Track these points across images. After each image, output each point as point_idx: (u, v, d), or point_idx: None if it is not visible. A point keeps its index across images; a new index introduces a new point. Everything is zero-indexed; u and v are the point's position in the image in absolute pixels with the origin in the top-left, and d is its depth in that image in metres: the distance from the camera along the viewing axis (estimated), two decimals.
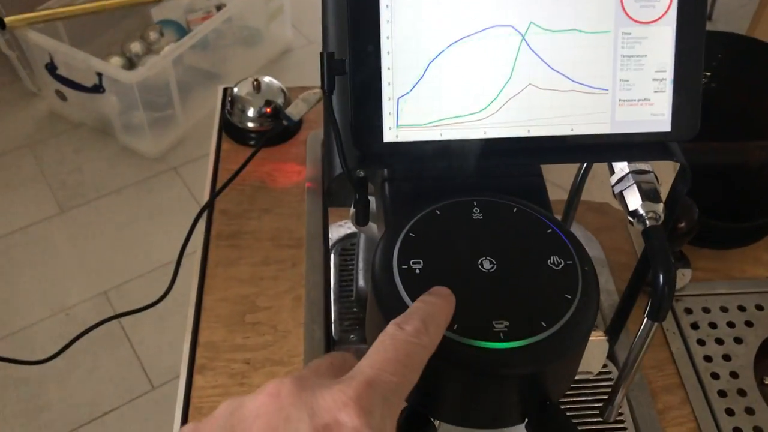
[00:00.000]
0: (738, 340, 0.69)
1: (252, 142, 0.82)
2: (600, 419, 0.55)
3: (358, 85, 0.44)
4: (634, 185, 0.49)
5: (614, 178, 0.51)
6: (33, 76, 2.04)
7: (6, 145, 1.98)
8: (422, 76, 0.45)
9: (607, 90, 0.46)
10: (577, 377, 0.48)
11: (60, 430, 1.46)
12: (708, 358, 0.67)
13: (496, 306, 0.40)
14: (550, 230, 0.45)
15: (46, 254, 1.75)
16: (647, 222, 0.48)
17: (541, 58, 0.45)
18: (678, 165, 0.49)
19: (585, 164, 0.62)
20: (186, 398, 0.63)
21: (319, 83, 0.48)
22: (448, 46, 0.44)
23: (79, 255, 1.75)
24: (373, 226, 0.59)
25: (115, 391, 1.52)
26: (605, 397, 0.64)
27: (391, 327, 0.34)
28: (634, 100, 0.47)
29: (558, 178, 0.65)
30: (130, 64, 2.03)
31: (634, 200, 0.49)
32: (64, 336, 1.58)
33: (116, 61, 1.99)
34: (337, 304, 0.69)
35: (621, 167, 0.50)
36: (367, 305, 0.44)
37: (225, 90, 0.87)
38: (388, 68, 0.45)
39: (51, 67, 1.91)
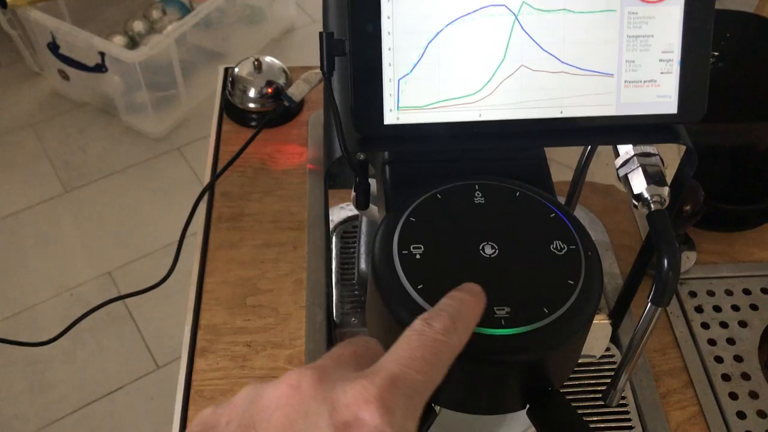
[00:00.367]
0: (743, 324, 0.68)
1: (253, 123, 0.82)
2: (602, 403, 0.55)
3: (358, 65, 0.43)
4: (639, 168, 0.49)
5: (619, 161, 0.50)
6: (35, 55, 2.02)
7: (9, 125, 1.97)
8: (421, 57, 0.44)
9: (611, 72, 0.45)
10: (579, 361, 0.47)
11: (67, 408, 1.46)
12: (712, 342, 0.67)
13: (498, 292, 0.40)
14: (553, 214, 0.44)
15: (50, 234, 1.75)
16: (652, 206, 0.47)
17: (533, 39, 0.44)
18: (684, 148, 0.48)
19: (589, 147, 0.61)
20: (187, 381, 0.63)
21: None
22: (446, 26, 0.43)
23: (82, 235, 1.75)
24: (374, 209, 0.58)
25: (120, 370, 1.53)
26: (608, 380, 0.63)
27: (418, 323, 0.32)
28: (640, 82, 0.46)
29: (565, 157, 0.64)
30: (133, 43, 2.02)
31: (639, 183, 0.48)
32: (68, 316, 1.59)
33: (119, 40, 1.98)
34: (338, 287, 0.69)
35: (626, 150, 0.50)
36: (367, 291, 0.44)
37: (226, 70, 0.86)
38: (389, 49, 0.44)
39: (53, 47, 1.89)
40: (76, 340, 1.54)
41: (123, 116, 1.96)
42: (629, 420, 0.62)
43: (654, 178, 0.48)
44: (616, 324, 0.66)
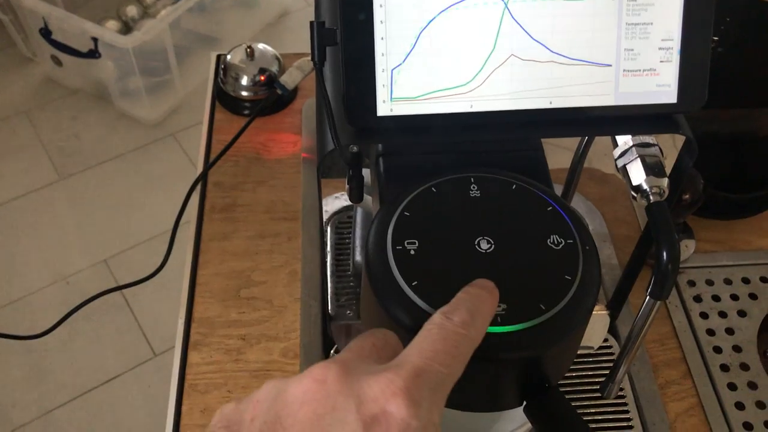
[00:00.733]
0: (741, 313, 0.67)
1: (246, 112, 0.80)
2: (600, 395, 0.54)
3: (350, 56, 0.42)
4: (638, 159, 0.48)
5: (617, 152, 0.49)
6: (27, 41, 2.00)
7: (2, 112, 1.95)
8: (414, 46, 0.43)
9: (609, 61, 0.44)
10: (577, 353, 0.46)
11: (65, 396, 1.46)
12: (711, 332, 0.66)
13: None
14: (550, 207, 0.43)
15: (45, 222, 1.74)
16: (651, 197, 0.47)
17: (523, 27, 0.42)
18: (682, 138, 0.47)
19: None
20: (181, 375, 0.62)
21: None
22: (439, 14, 0.42)
23: (78, 222, 1.74)
24: (368, 199, 0.57)
25: (118, 358, 1.53)
26: (606, 371, 0.63)
27: (438, 317, 0.33)
28: (639, 71, 0.45)
29: (563, 140, 0.63)
30: (126, 27, 1.99)
31: (637, 174, 0.47)
32: (64, 304, 1.58)
33: (112, 24, 1.96)
34: (333, 279, 0.68)
35: (624, 140, 0.49)
36: (361, 287, 0.43)
37: (218, 58, 0.85)
38: (382, 38, 0.43)
39: (45, 32, 1.87)
40: (73, 328, 1.53)
41: (117, 102, 1.94)
42: (627, 411, 0.62)
43: (653, 169, 0.47)
44: (614, 315, 0.65)
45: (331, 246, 0.71)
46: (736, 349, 0.65)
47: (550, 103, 0.43)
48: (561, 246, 0.41)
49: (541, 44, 0.43)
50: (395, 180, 0.48)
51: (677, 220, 0.69)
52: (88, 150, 1.88)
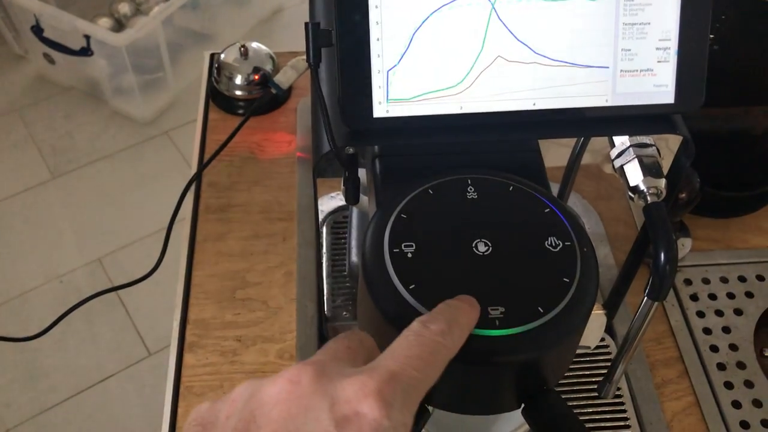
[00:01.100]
0: (738, 312, 0.67)
1: (240, 111, 0.80)
2: (597, 395, 0.54)
3: (346, 57, 0.42)
4: (635, 159, 0.48)
5: (614, 152, 0.49)
6: (19, 38, 1.99)
7: None
8: (408, 47, 0.42)
9: (606, 62, 0.44)
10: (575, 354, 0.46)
11: (60, 396, 1.46)
12: (707, 331, 0.66)
13: (492, 291, 0.39)
14: (547, 209, 0.43)
15: (38, 221, 1.73)
16: (648, 198, 0.46)
17: (509, 29, 0.42)
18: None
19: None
20: (177, 377, 0.62)
21: None
22: (431, 14, 0.42)
23: (71, 221, 1.74)
24: (364, 199, 0.57)
25: (112, 357, 1.52)
26: (603, 371, 0.63)
27: (416, 324, 0.33)
28: (637, 71, 0.45)
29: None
30: (119, 25, 1.98)
31: (635, 175, 0.47)
32: (58, 304, 1.57)
33: (104, 22, 1.94)
34: (329, 279, 0.68)
35: (622, 140, 0.48)
36: (358, 291, 0.43)
37: (212, 56, 0.84)
38: (377, 39, 0.42)
39: (37, 30, 1.86)
40: (67, 328, 1.52)
41: (110, 100, 1.93)
42: (624, 411, 0.62)
43: (650, 169, 0.47)
44: (610, 315, 0.65)
45: (326, 246, 0.71)
46: (733, 347, 0.65)
47: (534, 104, 0.43)
48: (559, 248, 0.41)
49: (527, 46, 0.42)
50: (391, 181, 0.48)
51: (674, 218, 0.69)
52: (81, 148, 1.87)
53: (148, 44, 1.84)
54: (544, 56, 0.43)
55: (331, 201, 0.75)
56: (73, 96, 1.98)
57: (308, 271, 0.67)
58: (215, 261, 0.68)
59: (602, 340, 0.66)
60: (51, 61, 1.93)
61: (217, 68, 0.80)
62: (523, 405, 0.42)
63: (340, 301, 0.65)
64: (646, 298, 0.47)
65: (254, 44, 0.81)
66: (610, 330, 0.67)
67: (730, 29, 0.78)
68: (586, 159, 0.75)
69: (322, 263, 0.69)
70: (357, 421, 0.27)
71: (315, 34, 0.42)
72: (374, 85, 0.43)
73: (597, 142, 0.60)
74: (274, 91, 0.77)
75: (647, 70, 0.45)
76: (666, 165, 0.50)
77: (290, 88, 0.81)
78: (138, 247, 1.67)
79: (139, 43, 1.80)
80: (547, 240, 0.41)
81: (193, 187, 0.74)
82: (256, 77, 0.79)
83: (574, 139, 0.61)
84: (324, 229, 0.72)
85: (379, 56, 0.43)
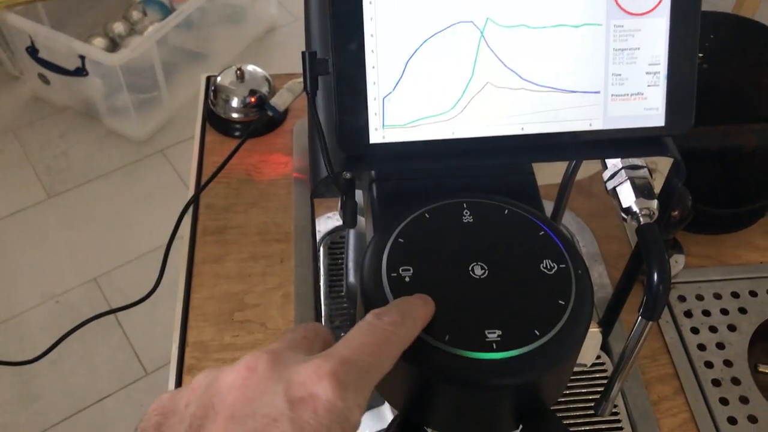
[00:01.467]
0: (732, 328, 0.68)
1: (237, 133, 0.81)
2: (594, 413, 0.54)
3: (342, 85, 0.43)
4: (628, 181, 0.48)
5: (607, 174, 0.50)
6: (14, 59, 2.00)
7: None
8: (402, 75, 0.43)
9: (598, 86, 0.45)
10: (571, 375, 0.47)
11: (57, 416, 1.45)
12: (702, 347, 0.67)
13: (489, 314, 0.39)
14: (542, 232, 0.44)
15: (34, 240, 1.73)
16: (641, 219, 0.47)
17: (497, 56, 0.43)
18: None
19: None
20: None
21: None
22: (423, 43, 0.43)
23: (67, 241, 1.74)
24: (361, 220, 0.57)
25: (109, 377, 1.52)
26: (599, 388, 0.63)
27: (370, 316, 0.35)
28: (627, 95, 0.46)
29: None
30: (113, 44, 1.99)
31: (627, 197, 0.48)
32: (55, 324, 1.57)
33: (99, 42, 1.95)
34: (327, 301, 0.68)
35: (614, 162, 0.49)
36: (356, 314, 0.43)
37: (208, 79, 0.85)
38: (373, 67, 0.43)
39: (32, 51, 1.87)
40: (63, 347, 1.50)
41: (105, 119, 1.94)
42: (621, 429, 0.62)
43: (642, 190, 0.48)
44: (606, 332, 0.65)
45: (324, 267, 0.71)
46: (727, 363, 0.66)
47: (522, 129, 0.44)
48: (554, 270, 0.42)
49: (515, 72, 0.43)
50: (388, 205, 0.49)
51: (667, 236, 0.70)
52: (77, 168, 1.87)
53: (143, 63, 1.85)
54: (532, 82, 0.44)
55: (328, 221, 0.76)
56: (68, 115, 1.99)
57: (306, 293, 0.67)
58: (213, 283, 0.69)
59: (598, 357, 0.67)
60: (46, 81, 1.94)
61: (213, 91, 0.81)
62: (520, 426, 0.42)
63: (338, 322, 0.66)
64: (640, 318, 0.48)
65: (250, 67, 0.81)
66: (605, 347, 0.67)
67: (720, 48, 0.79)
68: (580, 175, 0.76)
69: (320, 285, 0.69)
70: (312, 402, 0.29)
71: (312, 63, 0.43)
72: (370, 111, 0.44)
73: (590, 161, 0.61)
74: (270, 113, 0.78)
75: (638, 94, 0.46)
76: (658, 185, 0.51)
77: (286, 110, 0.82)
78: (134, 266, 1.67)
79: (134, 62, 1.81)
80: (543, 263, 0.42)
81: (190, 209, 0.74)
82: (253, 100, 0.80)
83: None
84: (321, 250, 0.73)
85: (374, 84, 0.43)
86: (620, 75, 0.45)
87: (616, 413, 0.63)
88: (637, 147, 0.47)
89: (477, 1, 0.42)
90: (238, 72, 0.80)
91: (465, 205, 0.45)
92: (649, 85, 0.46)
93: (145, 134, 1.92)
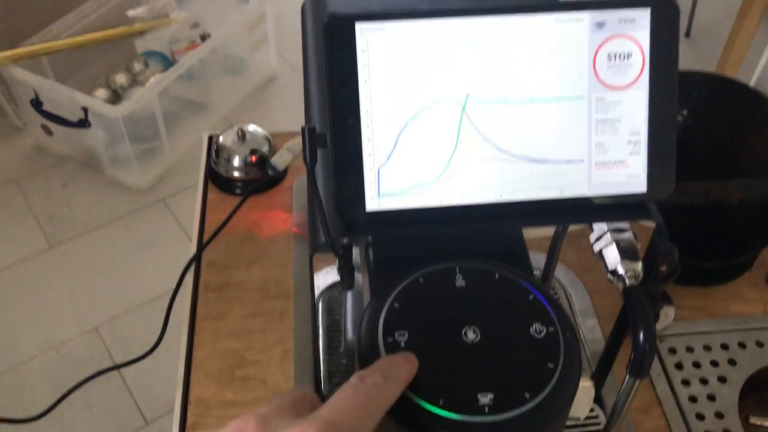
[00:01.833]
0: (722, 380, 0.70)
1: (238, 191, 0.83)
2: None
3: (339, 157, 0.45)
4: (613, 244, 0.51)
5: (593, 236, 0.52)
6: (18, 111, 2.04)
7: None
8: (395, 147, 0.46)
9: (582, 155, 0.47)
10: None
11: None
12: (693, 399, 0.68)
13: (481, 377, 0.41)
14: (531, 296, 0.46)
15: (35, 290, 1.74)
16: (627, 281, 0.49)
17: (477, 129, 0.46)
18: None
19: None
20: None
21: (302, 120, 0.50)
22: (412, 118, 0.46)
23: (68, 290, 1.75)
24: (358, 278, 0.59)
25: (110, 426, 1.52)
26: None
27: (353, 378, 0.37)
28: (610, 163, 0.48)
29: None
30: (116, 95, 2.03)
31: (613, 259, 0.50)
32: (55, 375, 1.58)
33: (101, 93, 2.00)
34: (326, 357, 0.70)
35: (600, 226, 0.52)
36: None
37: (210, 138, 0.88)
38: (369, 140, 0.46)
39: (36, 103, 1.91)
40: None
41: (106, 169, 1.97)
42: None
43: (627, 253, 0.50)
44: (599, 386, 0.67)
45: (323, 323, 0.73)
46: (719, 415, 0.67)
47: (501, 196, 0.47)
48: (543, 334, 0.44)
49: (494, 144, 0.46)
50: (384, 268, 0.51)
51: (656, 290, 0.72)
52: (79, 217, 1.89)
53: (145, 114, 1.88)
54: (510, 153, 0.46)
55: (326, 276, 0.78)
56: (70, 166, 2.02)
57: (305, 350, 0.69)
58: (215, 340, 0.71)
59: (592, 410, 0.68)
60: (49, 132, 1.98)
61: (215, 150, 0.83)
62: None
63: (337, 379, 0.67)
64: (628, 376, 0.49)
65: (251, 127, 0.84)
66: (599, 400, 0.69)
67: (703, 105, 0.82)
68: (572, 228, 0.78)
69: (318, 341, 0.71)
70: None
71: (311, 138, 0.46)
72: (367, 181, 0.46)
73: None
74: (270, 172, 0.81)
75: (620, 162, 0.48)
76: (644, 245, 0.53)
77: (286, 168, 0.85)
78: (134, 314, 1.68)
79: (136, 113, 1.85)
80: (532, 326, 0.44)
81: (192, 266, 0.76)
82: (254, 159, 0.82)
83: None
84: (320, 305, 0.75)
85: (370, 155, 0.46)
86: (603, 144, 0.48)
87: None
88: (620, 212, 0.49)
89: (458, 78, 0.45)
90: (240, 132, 0.83)
91: (457, 269, 0.47)
92: (630, 154, 0.48)
93: (145, 183, 1.95)
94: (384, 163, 0.46)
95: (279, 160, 0.81)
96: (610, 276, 0.50)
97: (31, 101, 1.91)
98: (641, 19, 0.46)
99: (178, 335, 0.72)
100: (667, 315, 0.74)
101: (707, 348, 0.72)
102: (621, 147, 0.48)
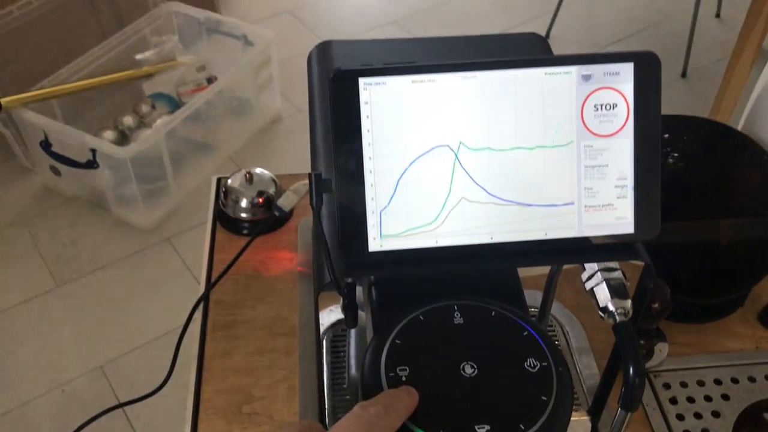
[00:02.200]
0: (716, 414, 0.71)
1: (245, 232, 0.86)
2: None
3: (344, 202, 0.48)
4: (604, 282, 0.53)
5: (585, 275, 0.55)
6: (27, 152, 2.08)
7: (0, 221, 2.01)
8: (395, 191, 0.49)
9: (572, 199, 0.50)
10: None
11: None
12: None
13: (478, 410, 0.44)
14: (526, 333, 0.48)
15: (42, 329, 1.76)
16: (617, 318, 0.52)
17: (469, 174, 0.49)
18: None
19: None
20: None
21: (308, 163, 0.53)
22: (410, 164, 0.49)
23: (74, 329, 1.77)
24: (361, 315, 0.62)
25: None
26: None
27: (356, 408, 0.40)
28: (599, 206, 0.51)
29: None
30: (123, 137, 2.08)
31: (603, 297, 0.53)
32: (60, 413, 1.59)
33: (109, 134, 2.04)
34: (330, 393, 0.72)
35: (591, 266, 0.54)
36: None
37: (218, 181, 0.91)
38: (371, 185, 0.49)
39: (45, 145, 1.95)
40: None
41: (113, 209, 2.00)
42: None
43: (617, 291, 0.53)
44: (595, 420, 0.69)
45: (327, 359, 0.75)
46: None
47: (491, 238, 0.50)
48: (537, 368, 0.46)
49: (484, 189, 0.49)
50: (386, 306, 0.53)
51: (649, 326, 0.74)
52: (85, 257, 1.92)
53: (152, 155, 1.92)
54: (499, 197, 0.50)
55: (330, 314, 0.80)
56: (78, 205, 2.05)
57: (310, 386, 0.71)
58: (223, 377, 0.73)
59: None
60: (57, 173, 2.02)
61: (224, 192, 0.86)
62: None
63: (341, 415, 0.69)
64: (620, 409, 0.52)
65: (258, 170, 0.88)
66: None
67: (693, 148, 0.85)
68: (569, 266, 0.81)
69: (323, 379, 0.73)
70: None
71: (317, 183, 0.49)
72: (369, 223, 0.49)
73: None
74: (277, 214, 0.84)
75: (608, 205, 0.51)
76: (634, 283, 0.56)
77: (292, 209, 0.88)
78: (140, 353, 1.70)
79: (143, 154, 1.89)
80: (527, 361, 0.47)
81: (201, 305, 0.79)
82: (261, 200, 0.85)
83: None
84: (324, 342, 0.77)
85: (372, 199, 0.49)
86: (592, 188, 0.51)
87: None
88: (609, 252, 0.52)
89: (451, 127, 0.48)
90: (247, 175, 0.86)
91: (456, 308, 0.50)
92: (618, 197, 0.51)
93: (152, 223, 1.98)
94: (385, 206, 0.49)
95: (285, 202, 0.84)
96: (601, 313, 0.53)
97: (41, 143, 1.95)
98: (625, 72, 0.50)
99: (182, 373, 0.75)
100: (661, 351, 0.76)
101: (701, 383, 0.74)
102: (609, 191, 0.51)
